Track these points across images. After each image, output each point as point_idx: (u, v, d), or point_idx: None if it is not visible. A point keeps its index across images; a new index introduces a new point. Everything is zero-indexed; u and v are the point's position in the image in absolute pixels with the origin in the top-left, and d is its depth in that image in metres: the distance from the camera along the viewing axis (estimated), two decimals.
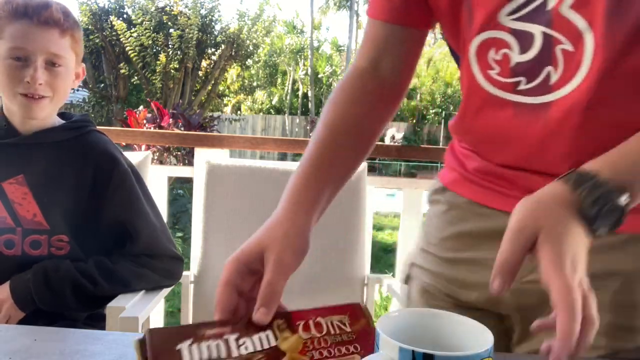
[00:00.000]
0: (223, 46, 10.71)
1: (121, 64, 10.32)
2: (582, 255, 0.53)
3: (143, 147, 4.22)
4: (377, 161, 11.57)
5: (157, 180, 1.99)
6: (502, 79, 0.69)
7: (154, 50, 9.98)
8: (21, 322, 1.17)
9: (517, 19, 0.66)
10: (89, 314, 1.28)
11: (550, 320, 0.51)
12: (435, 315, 0.51)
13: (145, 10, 10.12)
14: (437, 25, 0.81)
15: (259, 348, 0.56)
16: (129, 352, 0.65)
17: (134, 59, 9.94)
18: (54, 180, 1.21)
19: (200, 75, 10.89)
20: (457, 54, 0.78)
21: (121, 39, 9.88)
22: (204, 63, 10.89)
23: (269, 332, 0.57)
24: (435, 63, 18.52)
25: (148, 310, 1.22)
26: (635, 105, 0.65)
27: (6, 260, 1.19)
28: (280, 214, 0.67)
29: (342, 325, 0.59)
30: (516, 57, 0.67)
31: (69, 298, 1.17)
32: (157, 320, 1.87)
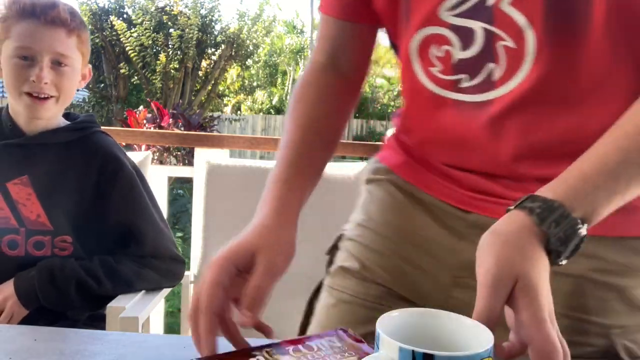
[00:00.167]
0: (223, 46, 10.71)
1: (121, 64, 10.32)
2: (551, 301, 0.52)
3: (143, 147, 4.22)
4: None
5: (157, 180, 1.99)
6: (444, 76, 0.69)
7: (154, 50, 9.98)
8: (22, 321, 1.17)
9: (458, 15, 0.65)
10: (90, 314, 1.28)
11: None
12: (435, 315, 0.51)
13: (145, 10, 10.12)
14: None
15: None
16: (129, 352, 0.65)
17: (134, 59, 9.94)
18: (59, 181, 1.21)
19: (200, 75, 10.89)
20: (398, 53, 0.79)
21: (121, 39, 9.88)
22: (204, 63, 10.89)
23: (260, 357, 0.57)
24: None
25: (148, 310, 1.22)
26: (581, 104, 0.64)
27: (9, 261, 1.19)
28: (269, 218, 0.67)
29: (332, 343, 0.60)
30: (458, 54, 0.66)
31: (73, 296, 1.17)
32: (157, 320, 1.87)
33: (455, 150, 0.73)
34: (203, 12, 10.53)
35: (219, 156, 2.03)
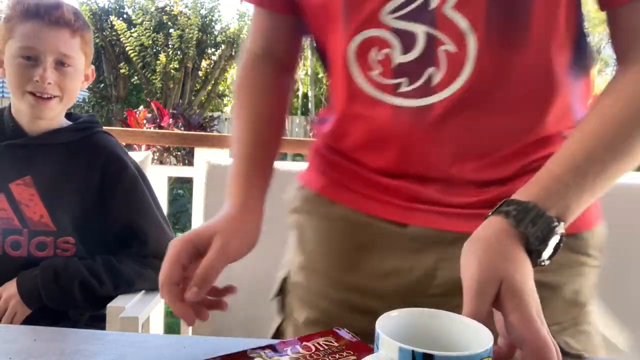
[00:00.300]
0: (223, 46, 10.71)
1: (121, 64, 10.32)
2: (538, 300, 0.52)
3: (143, 147, 4.21)
4: None
5: (157, 180, 1.99)
6: (383, 80, 0.68)
7: (154, 50, 9.98)
8: (24, 322, 1.17)
9: (400, 18, 0.64)
10: (91, 315, 1.28)
11: None
12: (434, 315, 0.51)
13: (145, 10, 10.11)
14: None
15: None
16: (129, 352, 0.65)
17: (134, 59, 9.93)
18: (62, 181, 1.21)
19: (200, 75, 10.89)
20: (325, 54, 0.77)
21: (121, 39, 9.87)
22: (204, 63, 10.89)
23: (258, 359, 0.58)
24: None
25: (148, 310, 1.22)
26: (519, 108, 0.65)
27: (12, 262, 1.19)
28: (234, 209, 0.69)
29: (329, 342, 0.61)
30: (398, 58, 0.66)
31: (76, 295, 1.18)
32: (157, 320, 1.87)
33: (392, 154, 0.72)
34: (203, 12, 10.52)
35: (219, 156, 2.03)
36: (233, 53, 10.91)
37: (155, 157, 5.62)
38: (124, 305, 1.18)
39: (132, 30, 9.89)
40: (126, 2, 10.58)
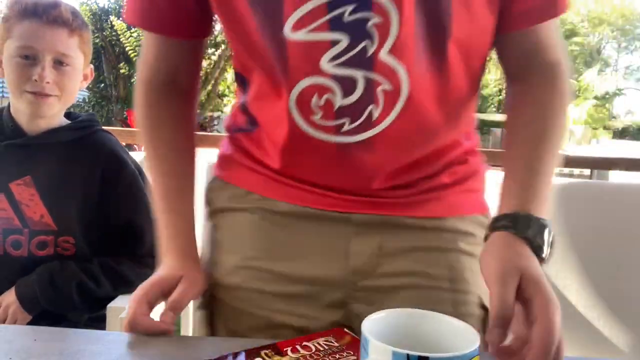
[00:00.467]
0: (223, 46, 10.70)
1: (121, 64, 10.33)
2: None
3: (143, 147, 4.21)
4: None
5: None
6: (325, 122, 0.71)
7: None
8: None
9: (339, 65, 0.67)
10: (91, 316, 1.28)
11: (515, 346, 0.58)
12: (413, 315, 0.51)
13: None
14: None
15: None
16: (129, 352, 0.65)
17: (134, 59, 9.94)
18: (61, 181, 1.21)
19: (201, 75, 10.88)
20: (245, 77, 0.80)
21: (121, 39, 9.88)
22: (204, 63, 10.83)
23: (258, 359, 0.58)
24: None
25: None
26: (441, 131, 0.74)
27: (13, 261, 1.19)
28: (182, 248, 0.80)
29: (329, 342, 0.61)
30: (339, 101, 0.69)
31: (74, 298, 1.18)
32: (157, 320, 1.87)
33: (333, 177, 0.76)
34: None
35: None
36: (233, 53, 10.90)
37: None
38: (124, 306, 1.18)
39: (132, 30, 9.89)
40: (126, 2, 10.58)
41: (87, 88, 10.64)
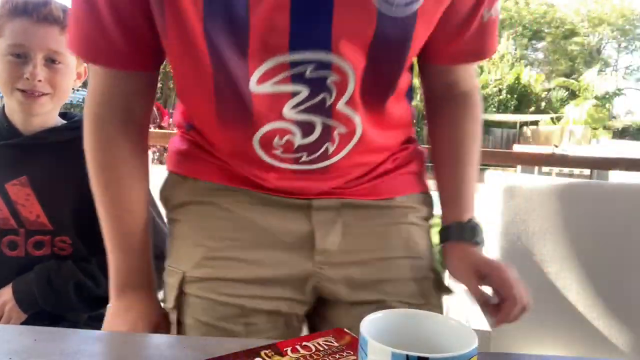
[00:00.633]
0: None
1: None
2: None
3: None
4: None
5: (157, 180, 1.99)
6: (285, 155, 0.78)
7: None
8: (23, 325, 1.17)
9: (300, 112, 0.74)
10: (90, 315, 1.28)
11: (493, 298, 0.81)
12: (411, 315, 0.51)
13: None
14: None
15: None
16: (129, 352, 0.65)
17: None
18: (57, 180, 1.21)
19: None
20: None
21: None
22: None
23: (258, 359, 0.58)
24: None
25: None
26: (376, 149, 0.85)
27: (9, 261, 1.19)
28: (144, 303, 0.85)
29: (329, 342, 0.61)
30: (299, 141, 0.77)
31: (72, 297, 1.18)
32: None
33: (281, 186, 0.83)
34: None
35: None
36: None
37: (156, 157, 5.62)
38: None
39: None
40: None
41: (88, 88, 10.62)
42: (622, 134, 26.75)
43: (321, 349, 0.59)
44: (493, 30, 0.82)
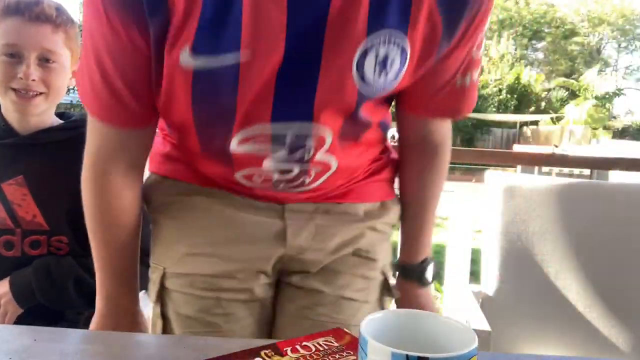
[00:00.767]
0: None
1: None
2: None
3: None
4: None
5: None
6: (264, 184, 0.84)
7: None
8: (21, 323, 1.17)
9: (280, 162, 0.80)
10: (89, 314, 1.28)
11: None
12: (411, 315, 0.51)
13: None
14: None
15: None
16: (129, 352, 0.65)
17: None
18: (54, 180, 1.21)
19: None
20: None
21: None
22: None
23: (259, 359, 0.58)
24: None
25: (148, 309, 1.22)
26: (352, 174, 0.92)
27: (6, 261, 1.19)
28: (128, 319, 0.95)
29: (329, 342, 0.61)
30: (277, 178, 0.83)
31: (71, 292, 1.17)
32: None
33: (258, 196, 0.89)
34: None
35: None
36: None
37: None
38: None
39: None
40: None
41: None
42: (622, 134, 26.75)
43: (321, 349, 0.60)
44: (470, 93, 0.85)
